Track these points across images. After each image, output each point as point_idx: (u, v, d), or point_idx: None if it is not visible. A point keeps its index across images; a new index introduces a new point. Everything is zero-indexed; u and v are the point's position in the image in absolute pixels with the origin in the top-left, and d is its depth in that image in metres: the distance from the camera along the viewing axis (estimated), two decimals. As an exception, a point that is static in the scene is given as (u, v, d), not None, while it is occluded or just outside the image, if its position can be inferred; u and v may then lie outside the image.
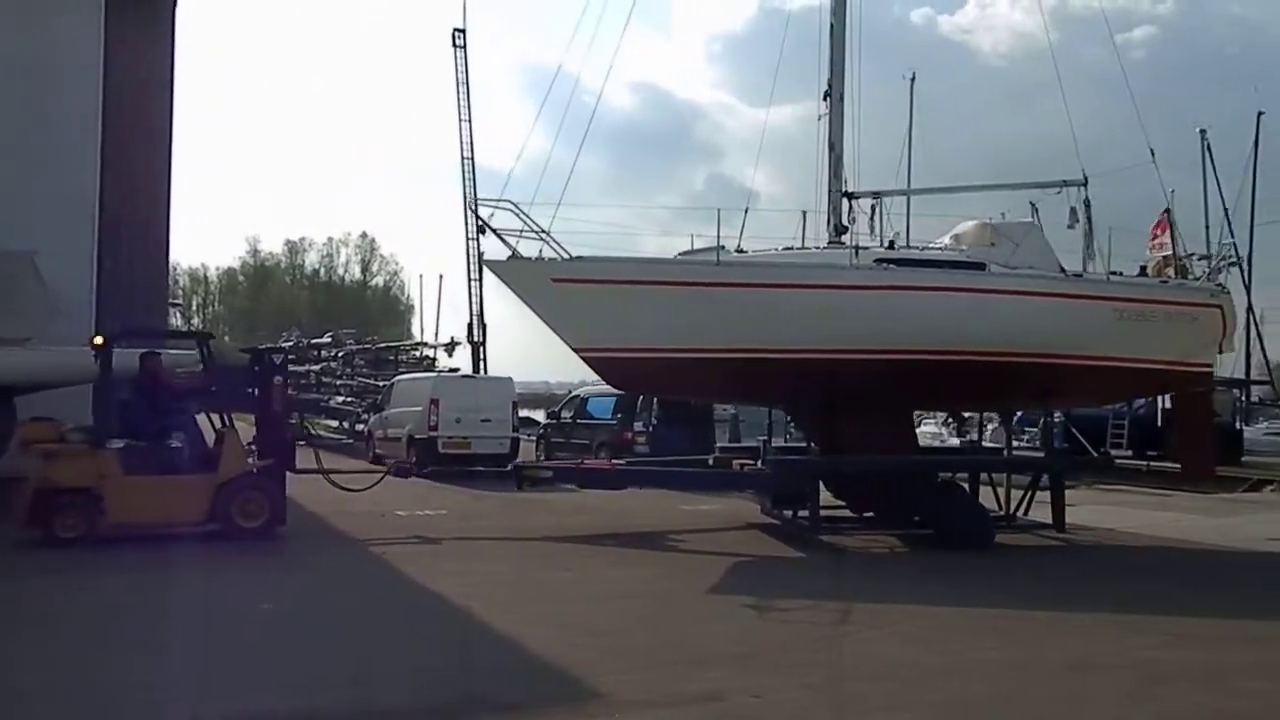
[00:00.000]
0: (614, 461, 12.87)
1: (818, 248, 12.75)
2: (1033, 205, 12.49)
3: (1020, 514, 12.12)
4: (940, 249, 12.51)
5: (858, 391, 11.33)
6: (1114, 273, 12.29)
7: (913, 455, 12.36)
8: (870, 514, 12.20)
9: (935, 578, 9.37)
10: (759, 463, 12.18)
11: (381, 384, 22.83)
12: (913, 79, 33.06)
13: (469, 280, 28.08)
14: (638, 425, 18.32)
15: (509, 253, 11.29)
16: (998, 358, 11.48)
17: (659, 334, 11.34)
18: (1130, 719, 5.29)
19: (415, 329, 43.01)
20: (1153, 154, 12.45)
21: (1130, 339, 11.72)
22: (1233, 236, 14.56)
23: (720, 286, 11.56)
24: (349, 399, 27.32)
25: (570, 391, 23.42)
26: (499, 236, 11.18)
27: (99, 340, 10.06)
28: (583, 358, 12.59)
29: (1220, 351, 12.96)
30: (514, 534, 11.16)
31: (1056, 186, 12.48)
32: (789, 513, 12.08)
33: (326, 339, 32.52)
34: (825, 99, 12.86)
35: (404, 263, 73.04)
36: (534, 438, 21.87)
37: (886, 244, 12.44)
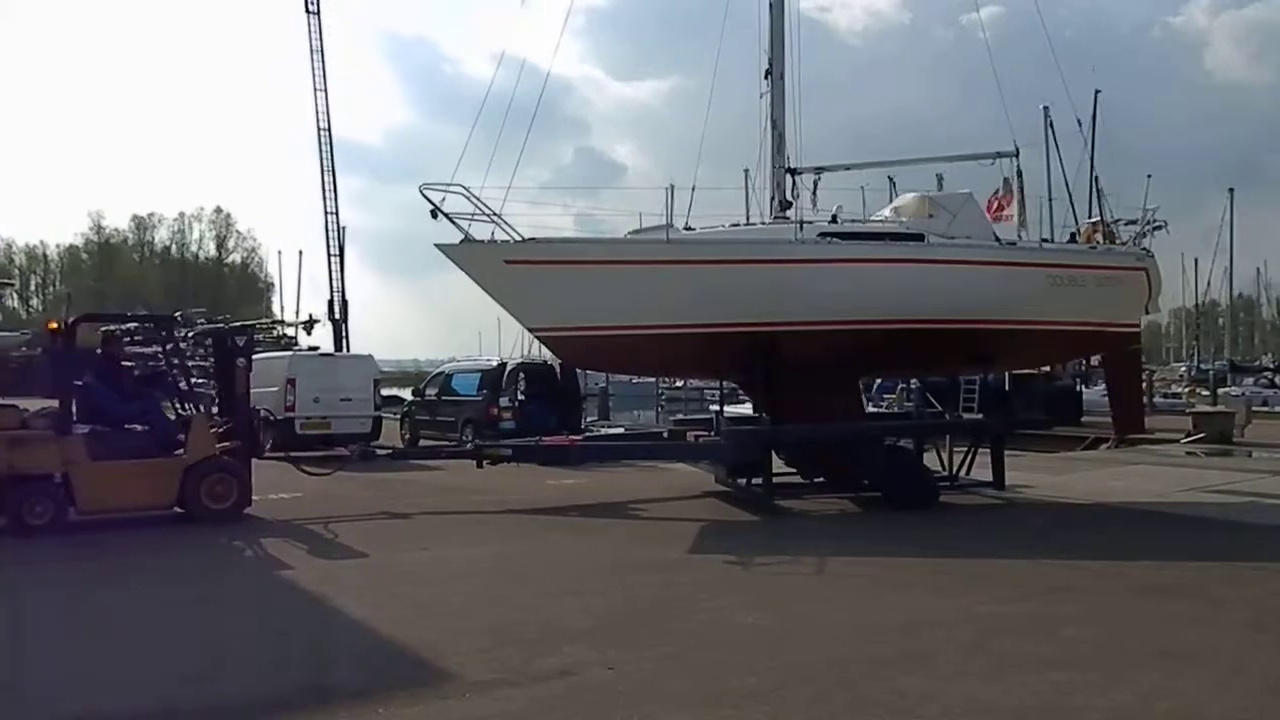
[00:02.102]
0: (572, 437, 13.05)
1: (763, 223, 13.08)
2: (939, 177, 12.87)
3: (962, 474, 12.63)
4: (881, 221, 12.91)
5: (806, 362, 11.71)
6: (1046, 240, 12.83)
7: (861, 422, 12.77)
8: (820, 479, 12.60)
9: (856, 535, 9.77)
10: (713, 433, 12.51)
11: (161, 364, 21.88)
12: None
13: (329, 256, 27.18)
14: (504, 401, 17.99)
15: (461, 236, 11.41)
16: (938, 325, 11.93)
17: (612, 312, 11.58)
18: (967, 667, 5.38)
19: (276, 307, 42.02)
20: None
21: (1063, 303, 12.26)
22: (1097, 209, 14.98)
23: (671, 264, 11.84)
24: (200, 380, 26.38)
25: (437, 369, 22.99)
26: (451, 220, 11.27)
27: (53, 325, 9.97)
28: (538, 338, 12.81)
29: (1146, 312, 13.61)
30: (375, 514, 10.91)
31: (990, 158, 12.97)
32: (742, 481, 12.44)
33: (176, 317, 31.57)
34: (766, 77, 13.14)
35: (262, 239, 71.23)
36: (398, 416, 21.41)
37: (830, 218, 12.79)
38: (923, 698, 4.71)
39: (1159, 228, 12.88)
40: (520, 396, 18.42)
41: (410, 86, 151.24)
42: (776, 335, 11.67)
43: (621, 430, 21.93)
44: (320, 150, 23.30)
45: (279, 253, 51.23)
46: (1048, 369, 24.02)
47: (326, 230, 22.82)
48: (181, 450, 10.15)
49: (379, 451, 12.74)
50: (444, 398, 19.75)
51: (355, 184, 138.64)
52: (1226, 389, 37.58)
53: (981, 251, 12.30)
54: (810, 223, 12.49)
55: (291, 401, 16.94)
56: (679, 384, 48.89)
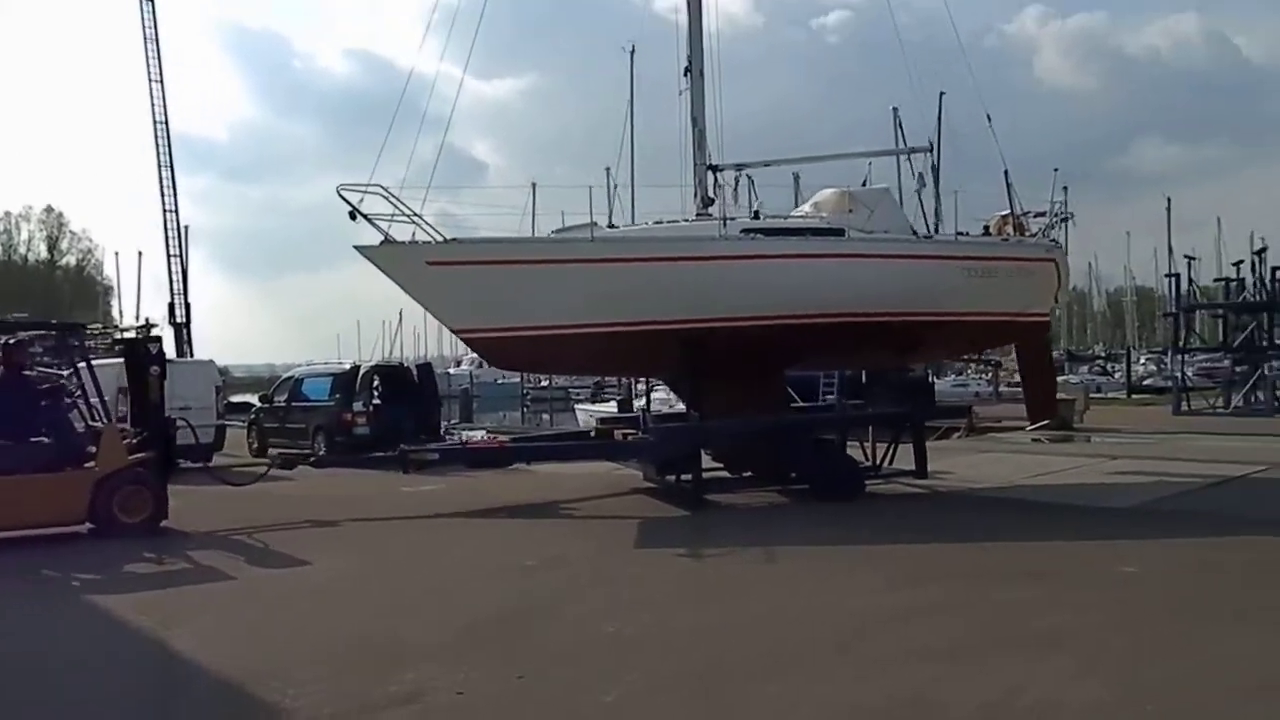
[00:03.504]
0: (499, 438, 13.03)
1: (686, 220, 13.17)
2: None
3: (886, 464, 12.87)
4: (802, 217, 13.09)
5: (732, 357, 11.84)
6: (961, 233, 13.12)
7: (789, 416, 12.93)
8: (748, 473, 12.74)
9: (757, 529, 9.67)
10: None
11: (65, 373, 21.22)
12: (632, 51, 34.48)
13: (168, 256, 26.12)
14: (357, 406, 17.39)
15: (381, 238, 11.31)
16: (860, 318, 12.15)
17: (537, 312, 11.57)
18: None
19: (115, 311, 40.96)
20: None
21: (978, 295, 12.55)
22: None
23: (595, 263, 11.87)
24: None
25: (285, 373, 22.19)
26: (370, 222, 11.16)
27: None
28: (463, 339, 12.76)
29: (1055, 301, 14.01)
30: (215, 528, 10.13)
31: (905, 153, 13.22)
32: (671, 478, 12.52)
33: None
34: (686, 74, 13.21)
35: (100, 239, 67.78)
36: (245, 424, 20.45)
37: (752, 214, 12.93)
38: (793, 702, 4.63)
39: (1066, 220, 13.24)
40: (375, 401, 17.82)
41: (258, 81, 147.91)
42: (702, 332, 11.76)
43: (483, 433, 21.40)
44: (157, 144, 22.63)
45: (116, 254, 48.89)
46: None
47: (166, 229, 22.23)
48: (91, 463, 9.80)
49: (302, 460, 12.43)
50: (294, 404, 18.86)
51: (202, 182, 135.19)
52: (1065, 377, 39.15)
53: (900, 245, 12.54)
54: (733, 219, 12.61)
55: (125, 412, 15.93)
56: (544, 384, 49.07)
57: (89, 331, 13.34)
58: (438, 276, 11.49)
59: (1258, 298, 27.07)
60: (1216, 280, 31.65)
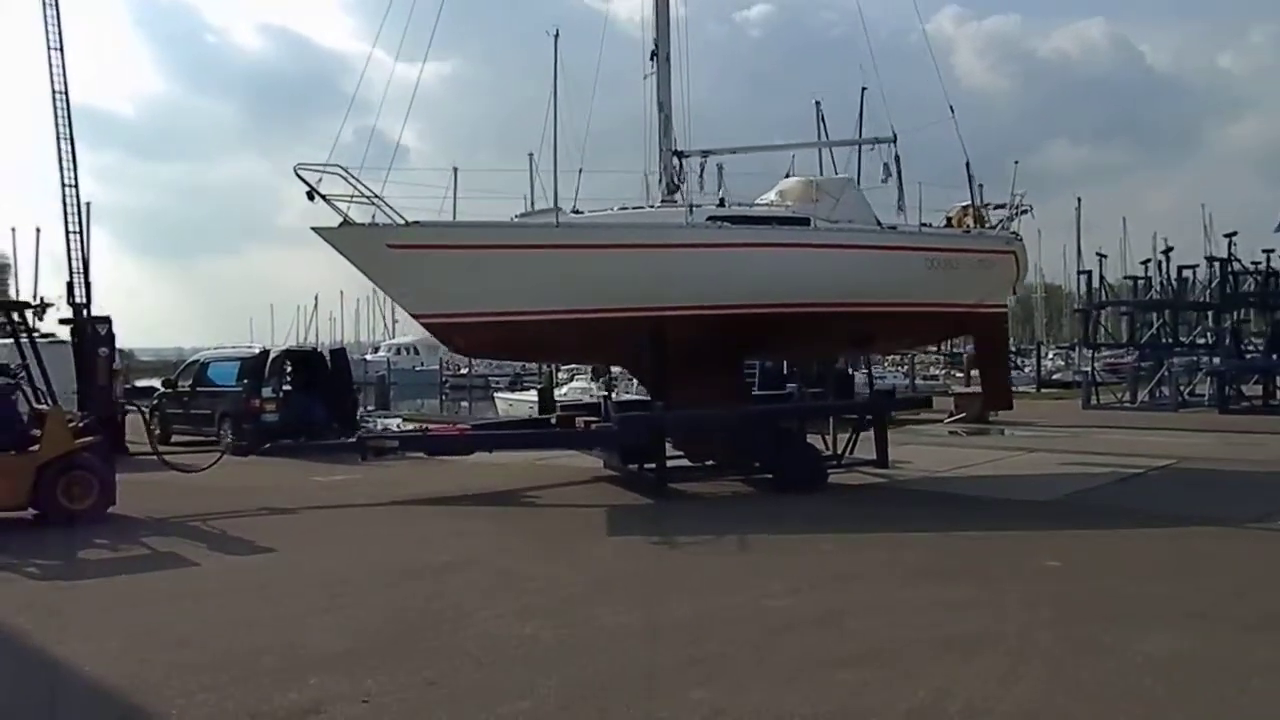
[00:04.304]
0: (459, 426, 12.90)
1: (651, 206, 13.06)
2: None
3: (846, 454, 12.90)
4: (767, 205, 13.02)
5: (696, 346, 11.77)
6: (924, 224, 13.11)
7: (755, 406, 12.88)
8: (710, 462, 12.71)
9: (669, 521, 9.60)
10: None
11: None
12: (556, 35, 34.72)
13: (67, 234, 25.37)
14: (266, 392, 16.53)
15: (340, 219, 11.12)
16: (824, 308, 12.14)
17: (500, 297, 11.40)
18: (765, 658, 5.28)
19: (12, 290, 40.34)
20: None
21: (939, 286, 12.62)
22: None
23: (560, 248, 11.74)
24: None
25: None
26: (328, 202, 10.92)
27: None
28: (423, 324, 12.57)
29: (1014, 293, 14.07)
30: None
31: (870, 143, 13.17)
32: (633, 466, 12.49)
33: None
34: (652, 59, 13.06)
35: None
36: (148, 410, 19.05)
37: (717, 201, 12.84)
38: (717, 709, 4.44)
39: (1025, 212, 13.28)
40: (286, 387, 17.17)
41: (168, 55, 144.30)
42: (666, 319, 11.69)
43: (398, 422, 20.98)
44: (56, 116, 21.76)
45: (13, 230, 47.39)
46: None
47: (65, 205, 21.25)
48: (35, 447, 9.39)
49: (259, 445, 12.11)
50: (199, 389, 17.95)
51: (108, 159, 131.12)
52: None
53: (865, 236, 12.53)
54: (699, 206, 12.52)
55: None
56: (463, 371, 48.70)
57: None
58: (398, 260, 11.30)
59: (1164, 296, 27.76)
60: (1126, 278, 32.16)
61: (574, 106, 32.83)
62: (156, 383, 23.33)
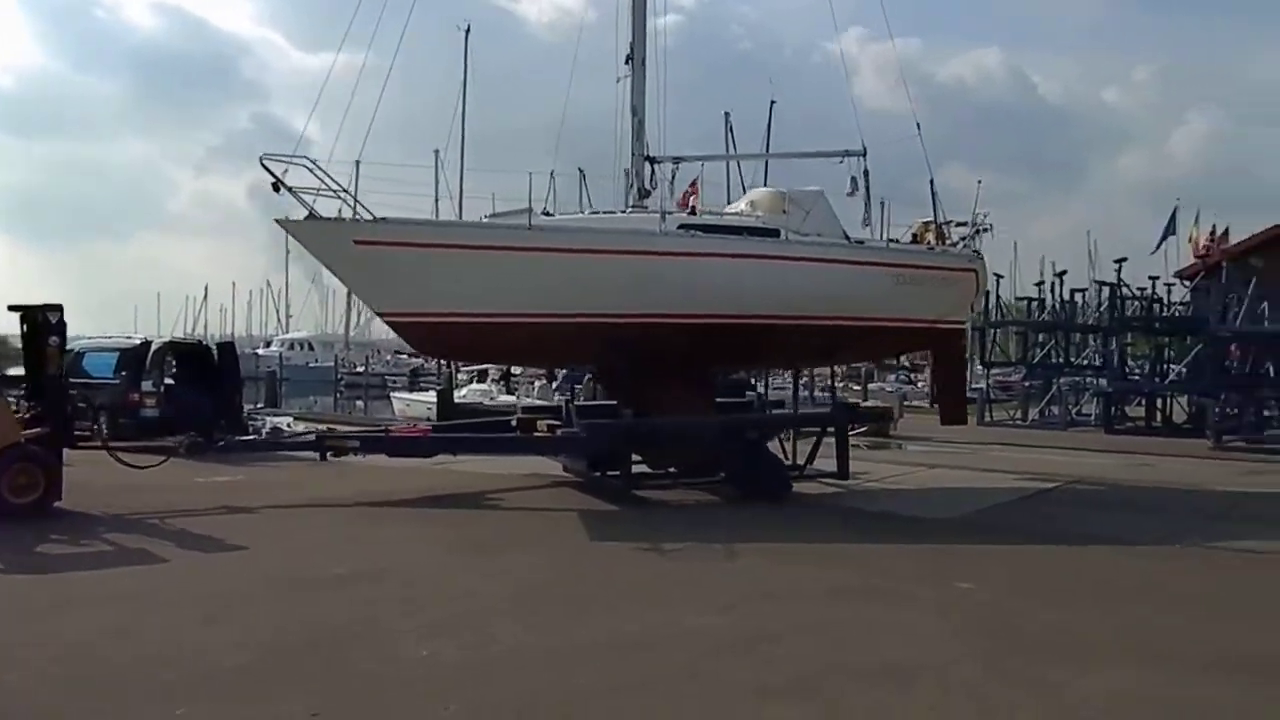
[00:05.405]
0: (421, 426, 12.42)
1: (622, 211, 12.94)
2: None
3: (807, 465, 13.07)
4: (738, 215, 13.08)
5: (664, 354, 11.70)
6: (892, 240, 13.43)
7: (722, 415, 12.84)
8: (673, 469, 12.64)
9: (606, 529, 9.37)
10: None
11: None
12: (467, 30, 35.56)
13: None
14: (146, 385, 15.90)
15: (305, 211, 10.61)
16: (790, 320, 12.25)
17: (468, 298, 11.14)
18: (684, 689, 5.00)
19: None
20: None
21: (903, 301, 12.89)
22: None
23: (531, 251, 11.48)
24: None
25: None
26: (294, 194, 10.48)
27: None
28: (388, 322, 12.14)
29: (972, 310, 14.58)
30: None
31: (839, 156, 13.41)
32: (596, 473, 12.28)
33: None
34: (627, 62, 12.97)
35: None
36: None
37: (688, 209, 12.82)
38: None
39: (986, 230, 13.78)
40: (168, 380, 16.46)
41: (52, 29, 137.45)
42: (635, 326, 11.57)
43: (289, 420, 20.39)
44: None
45: None
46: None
47: None
48: None
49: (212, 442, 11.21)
50: (74, 380, 17.63)
51: None
52: (875, 384, 41.77)
53: (833, 249, 12.71)
54: (671, 213, 12.47)
55: None
56: (359, 369, 48.34)
57: None
58: (364, 256, 10.90)
59: (1055, 318, 28.92)
60: (1019, 299, 33.82)
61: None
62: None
